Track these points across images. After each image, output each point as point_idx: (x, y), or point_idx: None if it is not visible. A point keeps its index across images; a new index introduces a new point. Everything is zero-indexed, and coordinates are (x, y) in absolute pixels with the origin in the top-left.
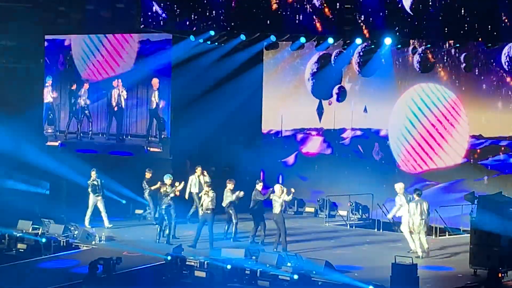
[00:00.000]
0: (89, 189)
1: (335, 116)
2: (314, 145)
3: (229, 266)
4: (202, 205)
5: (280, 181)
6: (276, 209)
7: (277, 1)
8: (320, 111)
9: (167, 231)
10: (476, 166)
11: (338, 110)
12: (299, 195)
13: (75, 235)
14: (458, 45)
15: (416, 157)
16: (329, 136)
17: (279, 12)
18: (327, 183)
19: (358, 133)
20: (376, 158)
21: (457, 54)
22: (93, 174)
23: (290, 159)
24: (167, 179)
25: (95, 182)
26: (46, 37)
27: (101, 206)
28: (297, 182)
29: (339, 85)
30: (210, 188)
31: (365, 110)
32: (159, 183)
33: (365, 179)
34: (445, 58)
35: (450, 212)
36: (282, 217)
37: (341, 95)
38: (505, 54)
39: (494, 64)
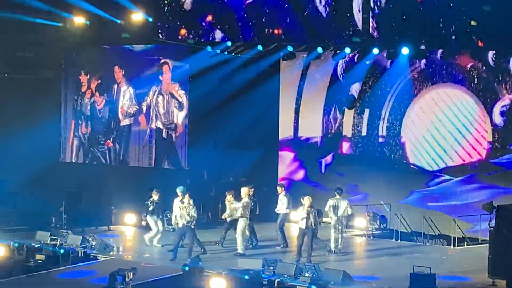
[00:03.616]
0: (149, 210)
1: (355, 123)
2: (345, 147)
3: (247, 277)
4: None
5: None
6: (307, 222)
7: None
8: (334, 117)
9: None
10: (487, 163)
11: (356, 117)
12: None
13: (93, 246)
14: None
15: (434, 156)
16: (355, 142)
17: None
18: (360, 179)
19: (381, 140)
20: (397, 158)
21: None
22: (155, 194)
23: (328, 158)
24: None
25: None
26: (64, 48)
27: (160, 225)
28: (336, 178)
29: (350, 93)
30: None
31: (381, 117)
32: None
33: (387, 182)
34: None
35: (468, 222)
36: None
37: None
38: None
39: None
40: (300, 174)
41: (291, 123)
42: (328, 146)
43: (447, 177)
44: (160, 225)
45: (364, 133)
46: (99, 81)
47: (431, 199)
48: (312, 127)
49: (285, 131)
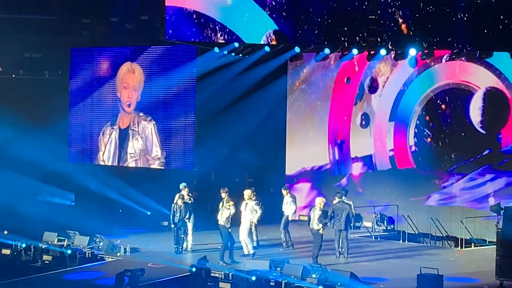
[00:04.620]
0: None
1: (362, 142)
2: (355, 169)
3: (254, 278)
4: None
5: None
6: (316, 224)
7: None
8: (341, 140)
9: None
10: (498, 153)
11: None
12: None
13: (100, 247)
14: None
15: (445, 157)
16: (366, 160)
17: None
18: (377, 194)
19: (391, 154)
20: (409, 168)
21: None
22: (186, 192)
23: (343, 181)
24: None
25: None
26: (71, 49)
27: (190, 227)
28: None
29: (362, 112)
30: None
31: (387, 131)
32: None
33: (404, 191)
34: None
35: (476, 223)
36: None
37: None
38: None
39: None
40: None
41: (299, 156)
42: (340, 170)
43: (461, 174)
44: (188, 227)
45: (372, 151)
46: (107, 83)
47: (449, 198)
48: (320, 155)
49: (297, 165)
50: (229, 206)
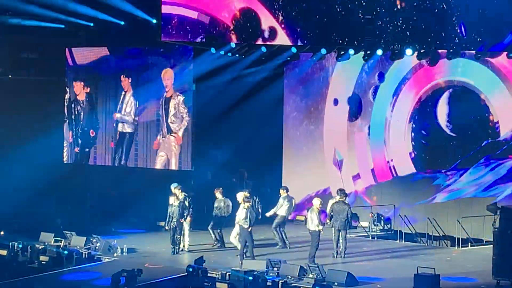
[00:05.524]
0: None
1: (361, 157)
2: (359, 185)
3: (251, 278)
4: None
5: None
6: (315, 225)
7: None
8: (337, 162)
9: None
10: (496, 142)
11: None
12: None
13: (97, 247)
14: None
15: (446, 155)
16: (367, 176)
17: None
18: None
19: (391, 163)
20: (412, 173)
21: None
22: (179, 192)
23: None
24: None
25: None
26: (67, 49)
27: (186, 227)
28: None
29: (368, 125)
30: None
31: (384, 142)
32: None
33: (410, 197)
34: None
35: (472, 222)
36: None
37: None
38: None
39: None
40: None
41: (300, 184)
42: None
43: (464, 169)
44: (185, 226)
45: (372, 165)
46: (100, 84)
47: (455, 194)
48: (321, 179)
49: (301, 193)
50: (245, 206)
